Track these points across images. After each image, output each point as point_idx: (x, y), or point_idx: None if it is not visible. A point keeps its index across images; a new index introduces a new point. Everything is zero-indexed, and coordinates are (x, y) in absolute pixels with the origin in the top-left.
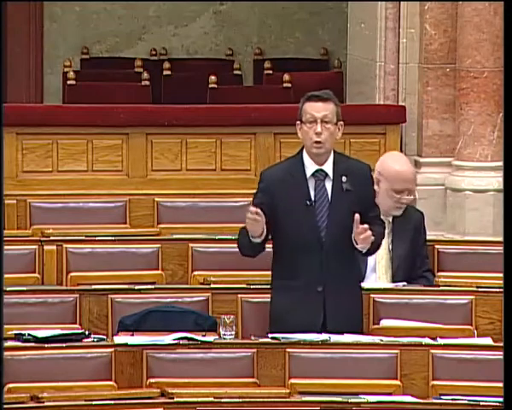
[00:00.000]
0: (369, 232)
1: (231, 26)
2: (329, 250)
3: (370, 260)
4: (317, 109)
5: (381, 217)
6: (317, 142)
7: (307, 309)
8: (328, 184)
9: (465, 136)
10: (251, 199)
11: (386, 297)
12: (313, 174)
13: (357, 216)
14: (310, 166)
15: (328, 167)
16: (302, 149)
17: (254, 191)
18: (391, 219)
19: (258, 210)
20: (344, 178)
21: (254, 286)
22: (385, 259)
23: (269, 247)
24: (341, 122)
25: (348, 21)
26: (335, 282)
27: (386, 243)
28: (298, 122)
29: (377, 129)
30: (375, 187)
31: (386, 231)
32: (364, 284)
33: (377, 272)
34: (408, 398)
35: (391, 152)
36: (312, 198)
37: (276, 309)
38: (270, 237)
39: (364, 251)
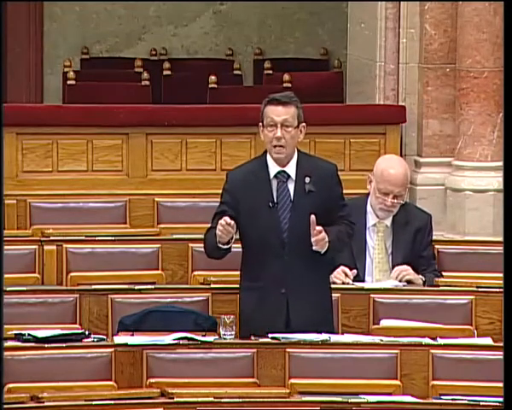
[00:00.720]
0: (323, 235)
1: (231, 26)
2: (292, 252)
3: (368, 262)
4: (278, 113)
5: (378, 221)
6: (277, 146)
7: (270, 310)
8: (291, 186)
9: (465, 136)
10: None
11: (386, 297)
12: (275, 176)
13: (312, 218)
14: (273, 168)
15: (290, 169)
16: (266, 150)
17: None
18: (389, 223)
19: (232, 222)
20: (307, 179)
21: None
22: (382, 262)
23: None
24: (303, 124)
25: (348, 21)
26: (299, 283)
27: (383, 246)
28: (260, 124)
29: (377, 129)
30: (368, 186)
31: (383, 235)
32: (364, 285)
33: (373, 275)
34: (408, 398)
35: (391, 154)
36: (275, 200)
37: (243, 309)
38: (237, 237)
39: (322, 252)
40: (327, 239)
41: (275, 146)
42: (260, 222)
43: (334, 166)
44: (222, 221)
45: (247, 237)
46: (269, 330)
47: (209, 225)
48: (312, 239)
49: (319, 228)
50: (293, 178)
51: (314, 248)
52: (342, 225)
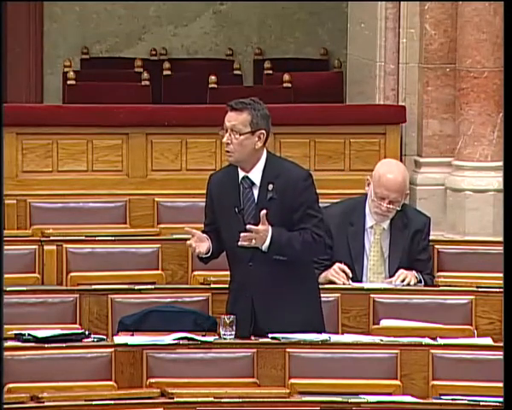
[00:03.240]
0: (261, 229)
1: (231, 26)
2: (256, 258)
3: (366, 263)
4: (228, 119)
5: (376, 223)
6: (227, 150)
7: (239, 313)
8: (256, 192)
9: (465, 136)
10: None
11: (386, 297)
12: (241, 181)
13: (262, 213)
14: (240, 173)
15: (255, 175)
16: None
17: None
18: (386, 226)
19: (199, 233)
20: (270, 187)
21: None
22: (376, 265)
23: None
24: (262, 131)
25: (348, 21)
26: (264, 290)
27: (379, 249)
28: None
29: (377, 129)
30: (366, 188)
31: (380, 237)
32: (364, 285)
33: (368, 277)
34: (408, 398)
35: (391, 159)
36: (241, 205)
37: (225, 309)
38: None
39: (264, 248)
40: (267, 236)
41: (226, 151)
42: (228, 226)
43: (304, 174)
44: (189, 241)
45: (222, 240)
46: (238, 332)
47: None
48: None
49: (261, 228)
50: (258, 184)
51: (242, 243)
52: (303, 233)
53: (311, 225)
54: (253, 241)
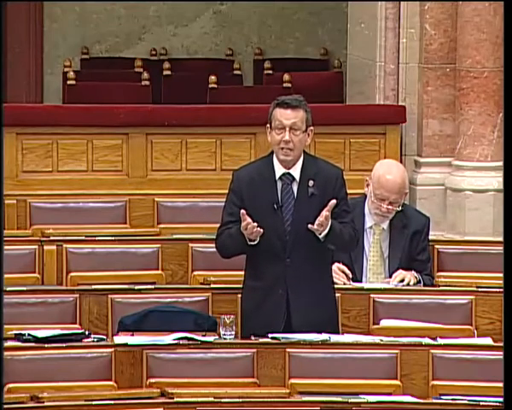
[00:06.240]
0: (327, 220)
1: (231, 26)
2: (293, 254)
3: (365, 264)
4: (287, 117)
5: (375, 223)
6: (284, 148)
7: (270, 310)
8: (295, 188)
9: (465, 136)
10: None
11: (386, 297)
12: (280, 177)
13: (331, 202)
14: (278, 169)
15: (295, 171)
16: (273, 151)
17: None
18: (386, 226)
19: (255, 225)
20: (310, 183)
21: None
22: (376, 265)
23: None
24: (311, 128)
25: (348, 21)
26: (300, 285)
27: (378, 249)
28: (267, 126)
29: (377, 129)
30: (365, 189)
31: (379, 238)
32: (364, 285)
33: (367, 277)
34: (408, 398)
35: (390, 160)
36: (279, 201)
37: (244, 308)
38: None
39: (321, 237)
40: (329, 225)
41: (282, 148)
42: (263, 223)
43: (339, 171)
44: (249, 229)
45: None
46: (269, 331)
47: (219, 226)
48: (317, 220)
49: (327, 214)
50: (298, 180)
51: (312, 227)
52: (347, 226)
53: (349, 219)
54: (322, 227)
